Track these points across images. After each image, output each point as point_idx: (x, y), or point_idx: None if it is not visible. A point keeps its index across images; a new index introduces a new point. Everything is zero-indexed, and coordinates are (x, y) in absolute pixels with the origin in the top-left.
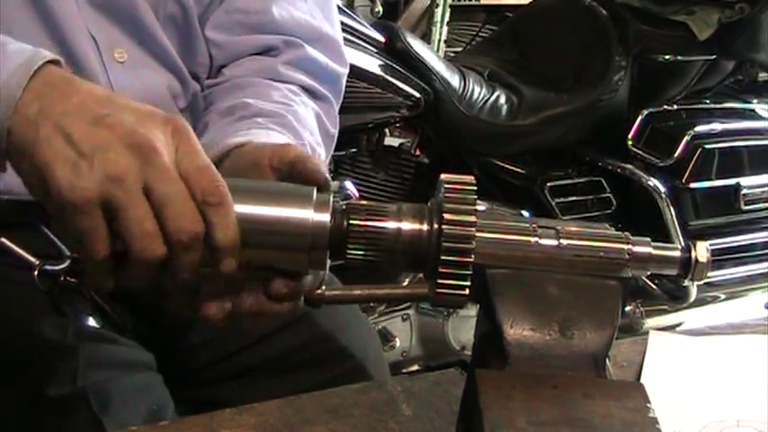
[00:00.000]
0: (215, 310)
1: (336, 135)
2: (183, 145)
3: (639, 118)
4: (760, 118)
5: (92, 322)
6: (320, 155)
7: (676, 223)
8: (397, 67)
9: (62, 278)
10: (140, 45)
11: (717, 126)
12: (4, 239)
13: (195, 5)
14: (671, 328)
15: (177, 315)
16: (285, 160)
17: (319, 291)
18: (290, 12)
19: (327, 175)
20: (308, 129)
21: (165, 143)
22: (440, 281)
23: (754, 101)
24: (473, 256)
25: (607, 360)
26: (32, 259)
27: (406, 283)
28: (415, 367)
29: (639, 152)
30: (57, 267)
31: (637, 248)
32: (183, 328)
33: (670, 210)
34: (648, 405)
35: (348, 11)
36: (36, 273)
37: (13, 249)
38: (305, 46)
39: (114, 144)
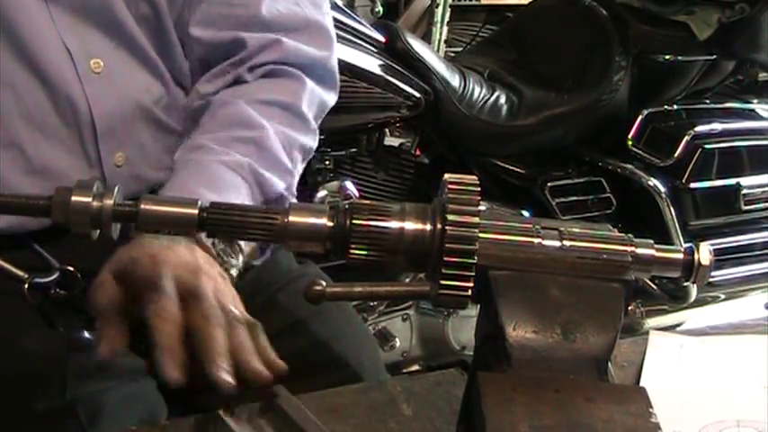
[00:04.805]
0: None
1: (317, 133)
2: None
3: (639, 118)
4: (760, 118)
5: (83, 333)
6: (290, 185)
7: (676, 223)
8: (397, 67)
9: (53, 291)
10: (117, 48)
11: (717, 126)
12: None
13: (168, 8)
14: (671, 328)
15: None
16: None
17: (319, 287)
18: (275, 4)
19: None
20: (272, 167)
21: None
22: (442, 281)
23: (754, 101)
24: (476, 257)
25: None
26: (21, 273)
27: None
28: (416, 367)
29: (639, 152)
30: (46, 279)
31: (640, 251)
32: None
33: (670, 210)
34: (651, 410)
35: (348, 11)
36: (26, 286)
37: (1, 265)
38: (282, 41)
39: None
